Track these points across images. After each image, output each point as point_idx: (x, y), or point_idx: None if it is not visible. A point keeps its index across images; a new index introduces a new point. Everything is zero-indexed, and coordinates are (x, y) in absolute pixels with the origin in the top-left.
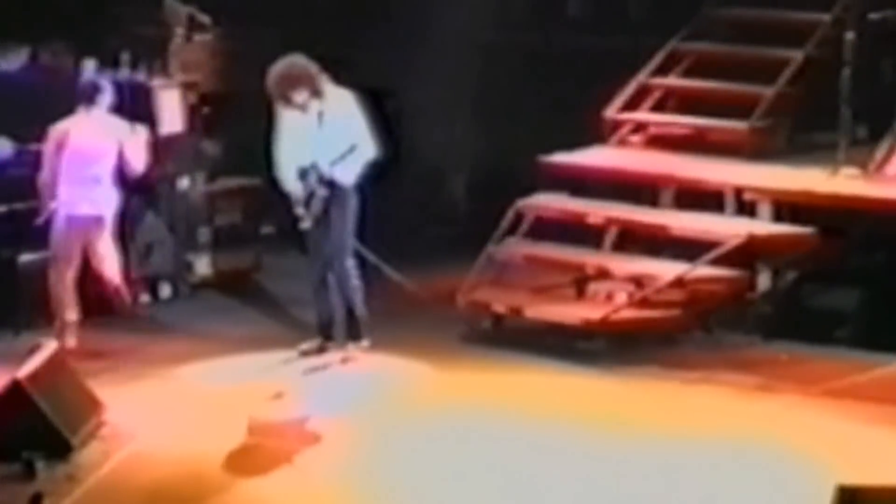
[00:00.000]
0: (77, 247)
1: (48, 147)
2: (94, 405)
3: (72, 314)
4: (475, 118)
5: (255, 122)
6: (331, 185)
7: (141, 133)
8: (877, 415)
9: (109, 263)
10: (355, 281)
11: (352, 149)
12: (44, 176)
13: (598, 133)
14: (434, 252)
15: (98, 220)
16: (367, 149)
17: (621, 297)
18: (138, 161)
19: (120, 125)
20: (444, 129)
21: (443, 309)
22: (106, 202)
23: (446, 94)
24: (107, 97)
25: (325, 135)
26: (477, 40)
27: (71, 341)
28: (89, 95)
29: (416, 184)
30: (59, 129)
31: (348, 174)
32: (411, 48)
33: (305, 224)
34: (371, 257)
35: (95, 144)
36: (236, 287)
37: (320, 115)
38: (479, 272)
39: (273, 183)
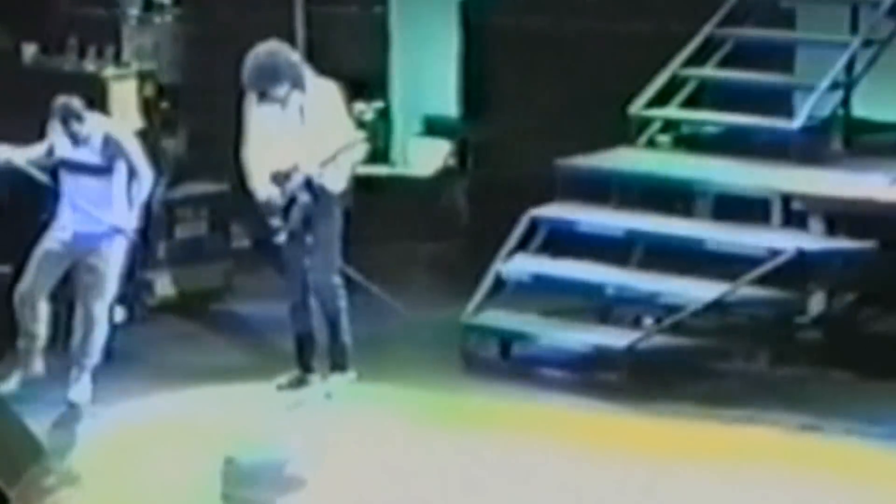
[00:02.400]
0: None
1: None
2: (35, 450)
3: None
4: (476, 114)
5: (223, 117)
6: (314, 191)
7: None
8: None
9: None
10: (341, 302)
11: (348, 146)
12: None
13: (622, 132)
14: (431, 269)
15: None
16: (358, 148)
17: (649, 323)
18: None
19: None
20: None
21: (441, 335)
22: None
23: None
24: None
25: (307, 133)
26: (477, 23)
27: (38, 366)
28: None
29: (409, 190)
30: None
31: (338, 178)
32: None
33: (282, 237)
34: (357, 276)
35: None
36: (202, 310)
37: (301, 109)
38: (484, 293)
39: (245, 188)
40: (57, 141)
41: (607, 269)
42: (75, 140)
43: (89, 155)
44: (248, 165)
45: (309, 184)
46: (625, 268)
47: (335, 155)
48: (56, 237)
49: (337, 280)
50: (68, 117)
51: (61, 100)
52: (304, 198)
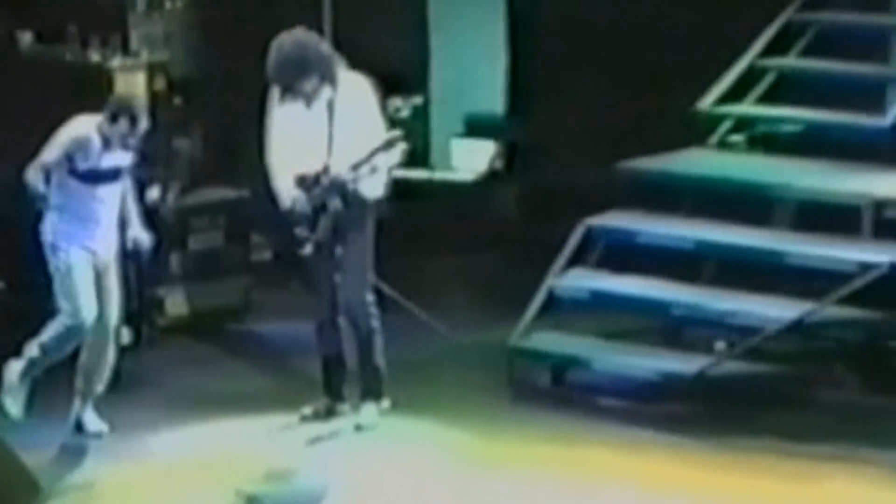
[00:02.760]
0: None
1: None
2: (31, 490)
3: None
4: (525, 111)
5: (243, 115)
6: (346, 197)
7: None
8: None
9: None
10: (375, 322)
11: (385, 147)
12: None
13: (689, 132)
14: (475, 285)
15: None
16: (396, 149)
17: (722, 346)
18: None
19: None
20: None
21: (487, 360)
22: None
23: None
24: None
25: (338, 132)
26: (525, 11)
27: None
28: None
29: (450, 197)
30: None
31: (374, 183)
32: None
33: (308, 249)
34: (392, 293)
35: None
36: (218, 331)
37: (331, 106)
38: (534, 312)
39: (268, 194)
40: (91, 146)
41: (674, 285)
42: (125, 144)
43: (123, 158)
44: (270, 168)
45: (340, 189)
46: (694, 284)
47: (370, 156)
48: (88, 256)
49: (370, 297)
50: (133, 118)
51: (124, 97)
52: (334, 204)
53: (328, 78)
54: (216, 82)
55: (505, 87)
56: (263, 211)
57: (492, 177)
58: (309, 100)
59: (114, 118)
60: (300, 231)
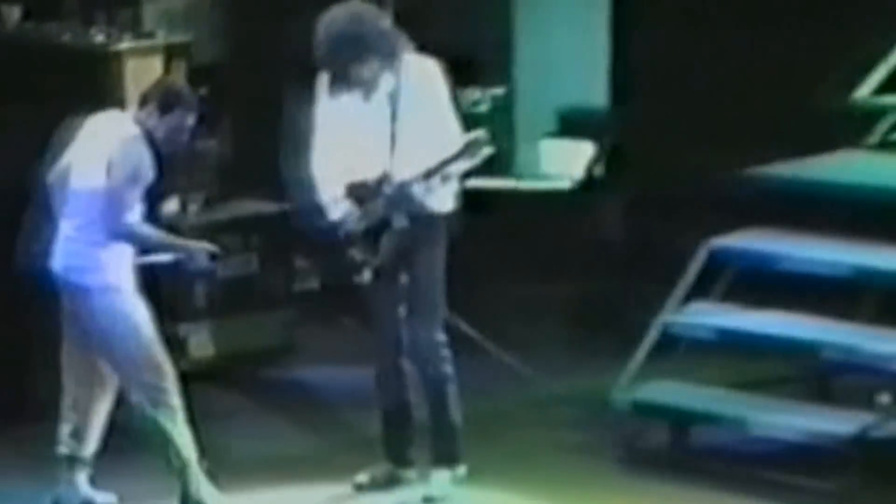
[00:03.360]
0: None
1: None
2: None
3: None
4: (632, 105)
5: (282, 109)
6: (413, 211)
7: None
8: None
9: None
10: (448, 368)
11: (462, 149)
12: None
13: (836, 129)
14: (570, 320)
15: None
16: (474, 152)
17: (886, 401)
18: None
19: None
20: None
21: (586, 414)
22: None
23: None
24: None
25: (402, 129)
26: None
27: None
28: None
29: (538, 210)
30: None
31: (446, 194)
32: None
33: (365, 276)
34: (469, 330)
35: None
36: (252, 377)
37: (393, 97)
38: (646, 354)
39: (312, 208)
40: (146, 152)
41: (824, 322)
42: (177, 142)
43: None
44: (316, 175)
45: (405, 201)
46: (850, 321)
47: (444, 161)
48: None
49: (441, 336)
50: (189, 107)
51: (174, 81)
52: (397, 221)
53: (390, 62)
54: (249, 69)
55: (607, 76)
56: (309, 228)
57: (591, 185)
58: (366, 89)
59: (165, 108)
60: (354, 254)
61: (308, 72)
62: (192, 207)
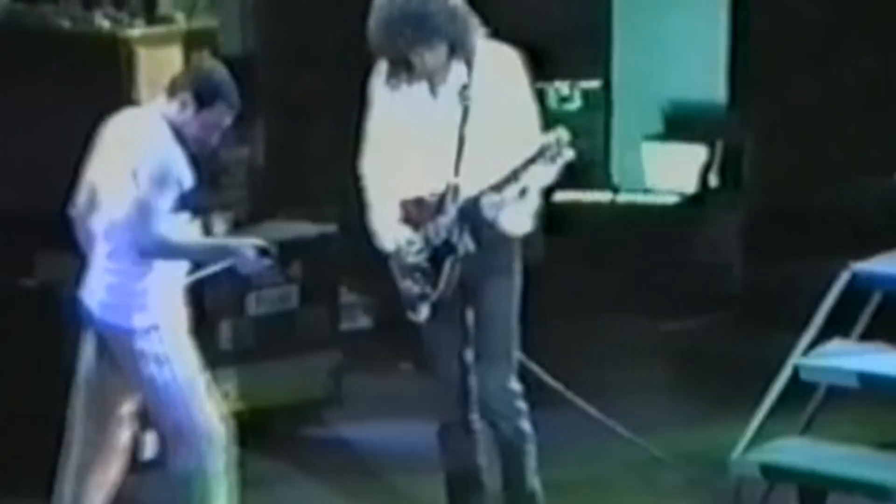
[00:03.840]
0: None
1: None
2: None
3: None
4: (754, 104)
5: (328, 109)
6: (482, 232)
7: None
8: None
9: None
10: (525, 424)
11: (542, 155)
12: None
13: None
14: (676, 361)
15: None
16: (557, 160)
17: None
18: None
19: None
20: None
21: (697, 479)
22: None
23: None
24: None
25: (473, 132)
26: None
27: None
28: None
29: (639, 229)
30: None
31: (523, 212)
32: None
33: (425, 312)
34: (548, 378)
35: None
36: (291, 434)
37: (464, 93)
38: (771, 405)
39: (360, 230)
40: (179, 153)
41: None
42: (214, 141)
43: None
44: (367, 188)
45: (474, 220)
46: None
47: (516, 169)
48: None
49: (517, 385)
50: (231, 101)
51: (214, 69)
52: (463, 245)
53: (461, 50)
54: (287, 62)
55: (725, 69)
56: (360, 254)
57: (702, 199)
58: (432, 81)
59: (202, 101)
60: (411, 285)
61: (361, 62)
62: (218, 230)
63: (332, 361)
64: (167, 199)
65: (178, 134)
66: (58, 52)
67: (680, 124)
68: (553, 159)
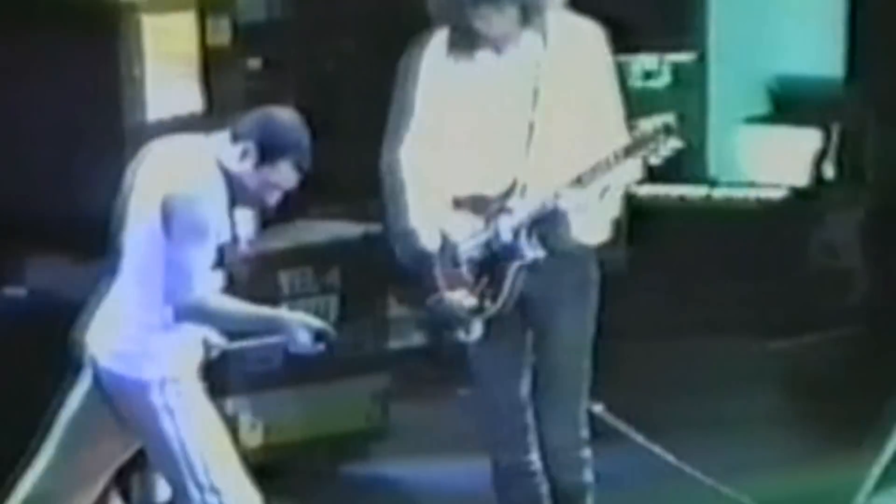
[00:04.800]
0: None
1: None
2: None
3: None
4: (876, 80)
5: (369, 86)
6: (550, 239)
7: None
8: None
9: None
10: (588, 476)
11: (645, 143)
12: None
13: None
14: (777, 391)
15: None
16: (650, 152)
17: None
18: None
19: None
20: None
21: None
22: None
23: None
24: None
25: (546, 114)
26: None
27: None
28: None
29: (740, 229)
30: None
31: (603, 217)
32: None
33: (476, 331)
34: (612, 420)
35: None
36: (331, 472)
37: (538, 70)
38: None
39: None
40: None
41: None
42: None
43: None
44: (406, 181)
45: (544, 223)
46: None
47: (612, 162)
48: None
49: (584, 432)
50: (303, 161)
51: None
52: (530, 252)
53: (535, 15)
54: (316, 30)
55: (842, 38)
56: (408, 261)
57: (816, 193)
58: (499, 53)
59: (267, 156)
60: (465, 299)
61: (415, 31)
62: (243, 232)
63: (378, 386)
64: (207, 255)
65: (230, 182)
66: (46, 18)
67: (789, 104)
68: (655, 151)
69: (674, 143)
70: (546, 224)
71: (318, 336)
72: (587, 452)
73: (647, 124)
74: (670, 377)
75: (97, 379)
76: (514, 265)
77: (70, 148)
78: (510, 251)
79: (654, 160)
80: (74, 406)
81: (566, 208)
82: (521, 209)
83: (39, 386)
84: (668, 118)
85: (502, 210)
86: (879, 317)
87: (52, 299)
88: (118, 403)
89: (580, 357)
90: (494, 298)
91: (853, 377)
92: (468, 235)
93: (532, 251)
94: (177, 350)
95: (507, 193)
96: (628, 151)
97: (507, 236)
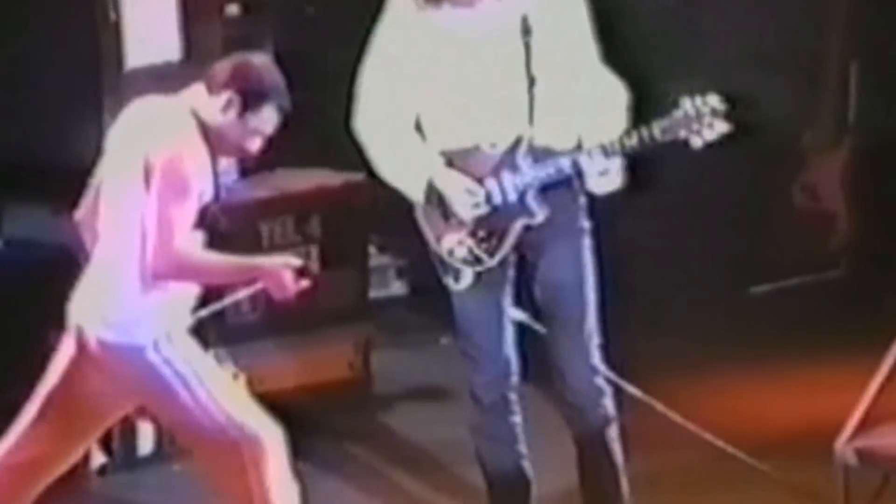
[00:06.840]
0: None
1: None
2: None
3: None
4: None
5: (351, 30)
6: (553, 191)
7: None
8: None
9: None
10: (609, 406)
11: (688, 124)
12: None
13: None
14: (762, 335)
15: None
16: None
17: None
18: None
19: None
20: (791, 78)
21: (796, 472)
22: None
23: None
24: None
25: (542, 73)
26: None
27: None
28: None
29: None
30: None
31: (614, 168)
32: None
33: (467, 279)
34: (633, 389)
35: None
36: (315, 422)
37: (526, 23)
38: (882, 388)
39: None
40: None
41: None
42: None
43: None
44: (387, 133)
45: (557, 188)
46: None
47: (646, 140)
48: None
49: (598, 362)
50: (282, 105)
51: (265, 65)
52: (540, 213)
53: None
54: None
55: None
56: (393, 206)
57: (799, 135)
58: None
59: (248, 104)
60: (457, 247)
61: None
62: (222, 180)
63: (359, 335)
64: (188, 213)
65: (208, 136)
66: None
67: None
68: (699, 133)
69: (720, 127)
70: (560, 186)
71: (300, 273)
72: (605, 384)
73: (691, 103)
74: (649, 321)
75: (82, 347)
76: (519, 223)
77: (47, 96)
78: (516, 209)
79: (696, 142)
80: (58, 374)
81: (587, 172)
82: (530, 169)
83: (17, 337)
84: (713, 99)
85: (505, 166)
86: (860, 260)
87: (29, 250)
88: (113, 370)
89: (583, 295)
90: (492, 253)
91: (834, 322)
92: (461, 190)
93: (542, 212)
94: (164, 310)
95: (512, 150)
96: (666, 131)
97: (513, 195)
